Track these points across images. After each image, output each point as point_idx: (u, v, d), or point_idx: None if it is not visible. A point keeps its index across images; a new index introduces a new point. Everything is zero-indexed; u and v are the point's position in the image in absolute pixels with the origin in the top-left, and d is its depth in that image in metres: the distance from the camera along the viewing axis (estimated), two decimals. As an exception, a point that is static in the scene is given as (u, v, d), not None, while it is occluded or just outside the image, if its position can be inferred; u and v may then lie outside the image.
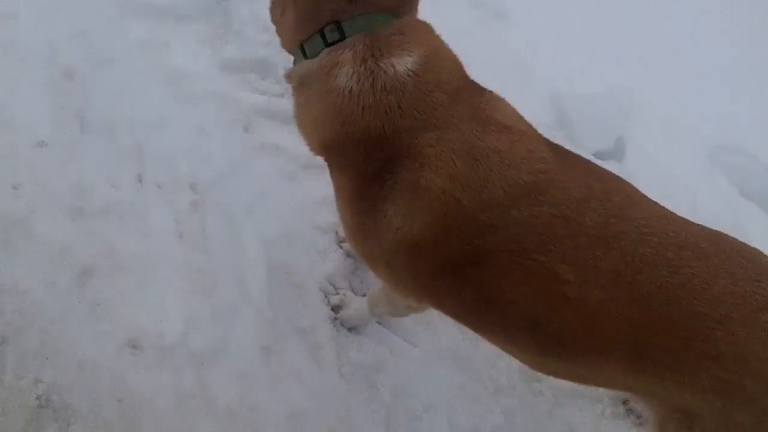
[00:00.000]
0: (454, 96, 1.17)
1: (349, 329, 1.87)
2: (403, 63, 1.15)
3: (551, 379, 1.54)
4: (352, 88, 1.15)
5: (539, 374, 1.70)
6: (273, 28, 1.38)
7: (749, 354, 1.06)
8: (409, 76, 1.15)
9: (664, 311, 1.09)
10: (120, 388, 1.53)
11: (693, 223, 1.21)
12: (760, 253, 1.19)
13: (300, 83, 1.27)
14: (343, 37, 1.17)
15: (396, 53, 1.16)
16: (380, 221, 1.20)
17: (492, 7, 2.97)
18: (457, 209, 1.14)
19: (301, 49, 1.25)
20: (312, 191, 2.04)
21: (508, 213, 1.13)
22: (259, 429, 1.61)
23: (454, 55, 1.25)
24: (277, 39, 1.38)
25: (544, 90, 2.73)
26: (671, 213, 1.22)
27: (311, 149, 1.34)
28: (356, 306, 1.83)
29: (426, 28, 1.25)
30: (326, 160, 1.30)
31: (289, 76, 1.32)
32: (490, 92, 1.25)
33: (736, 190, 2.84)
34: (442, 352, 1.95)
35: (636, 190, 1.25)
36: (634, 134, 2.79)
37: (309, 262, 1.93)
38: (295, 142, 1.89)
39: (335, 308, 1.87)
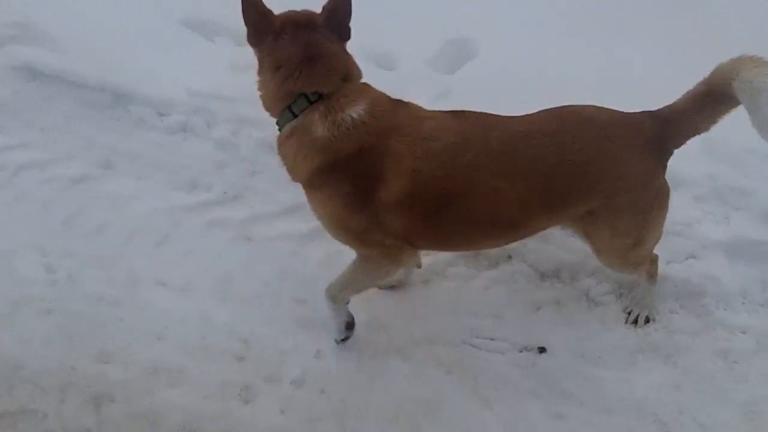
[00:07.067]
0: (391, 112, 1.86)
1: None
2: (356, 111, 1.81)
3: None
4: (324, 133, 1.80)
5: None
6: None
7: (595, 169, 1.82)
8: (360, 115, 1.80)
9: (551, 176, 1.81)
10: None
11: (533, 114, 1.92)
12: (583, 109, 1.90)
13: (288, 136, 1.87)
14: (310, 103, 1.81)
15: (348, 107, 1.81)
16: (375, 203, 1.81)
17: None
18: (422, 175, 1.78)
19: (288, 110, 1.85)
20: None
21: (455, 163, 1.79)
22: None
23: (385, 95, 1.91)
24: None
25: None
26: (512, 117, 1.92)
27: (296, 179, 1.93)
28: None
29: (365, 87, 1.92)
30: (309, 185, 1.89)
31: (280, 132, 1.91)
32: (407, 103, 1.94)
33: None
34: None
35: (491, 115, 1.91)
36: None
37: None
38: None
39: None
